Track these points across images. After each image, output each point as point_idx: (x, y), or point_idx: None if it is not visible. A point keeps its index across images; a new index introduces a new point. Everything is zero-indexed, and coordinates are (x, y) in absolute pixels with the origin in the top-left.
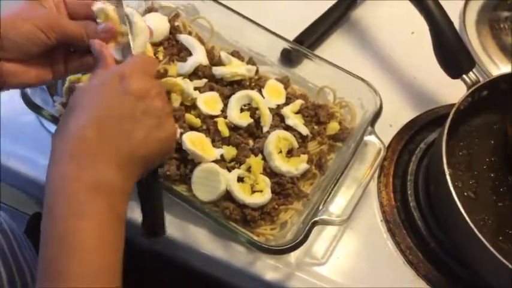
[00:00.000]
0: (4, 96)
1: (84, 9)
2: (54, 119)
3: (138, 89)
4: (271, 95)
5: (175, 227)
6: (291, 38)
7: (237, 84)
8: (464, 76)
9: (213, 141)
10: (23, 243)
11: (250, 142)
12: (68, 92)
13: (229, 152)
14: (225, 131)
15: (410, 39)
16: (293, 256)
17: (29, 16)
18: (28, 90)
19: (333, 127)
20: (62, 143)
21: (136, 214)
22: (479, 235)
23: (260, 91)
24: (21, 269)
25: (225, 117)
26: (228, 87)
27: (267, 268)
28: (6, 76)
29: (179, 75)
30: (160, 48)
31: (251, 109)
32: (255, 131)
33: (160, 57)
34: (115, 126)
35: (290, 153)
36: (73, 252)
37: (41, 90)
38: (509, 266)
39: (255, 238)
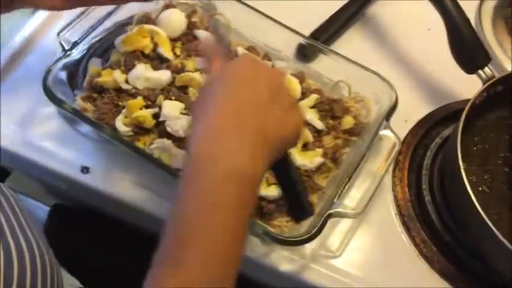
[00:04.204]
0: (25, 88)
1: None
2: (75, 113)
3: (266, 77)
4: None
5: None
6: (307, 33)
7: None
8: (479, 71)
9: None
10: (31, 221)
11: None
12: (89, 86)
13: None
14: None
15: (427, 36)
16: (308, 248)
17: None
18: (50, 84)
19: (348, 121)
20: (201, 126)
21: None
22: (494, 229)
23: None
24: (29, 242)
25: None
26: None
27: (282, 259)
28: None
29: (196, 70)
30: (178, 44)
31: None
32: None
33: (178, 52)
34: (249, 111)
35: (305, 147)
36: (195, 238)
37: (61, 84)
38: None
39: (271, 230)
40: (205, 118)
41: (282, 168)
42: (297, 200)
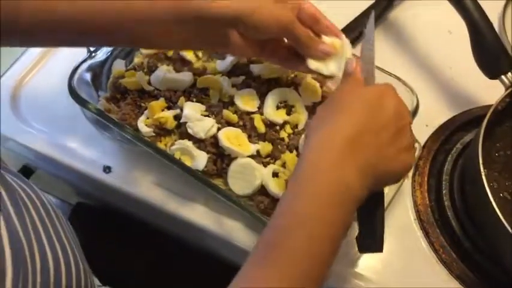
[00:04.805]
0: (50, 89)
1: (312, 21)
2: (99, 113)
3: (397, 110)
4: (307, 93)
5: (211, 220)
6: None
7: (273, 81)
8: (502, 77)
9: (249, 136)
10: (67, 227)
11: (286, 139)
12: (112, 87)
13: (265, 147)
14: (261, 127)
15: (449, 40)
16: None
17: (273, 10)
18: (75, 85)
19: None
20: (320, 136)
21: None
22: None
23: (296, 89)
24: (65, 250)
25: (262, 114)
26: (264, 84)
27: None
28: (231, 46)
29: (217, 72)
30: None
31: (287, 106)
32: (290, 128)
33: (200, 54)
34: (372, 136)
35: None
36: (303, 230)
37: (86, 85)
38: None
39: None
40: (326, 128)
41: (372, 201)
42: (372, 235)
